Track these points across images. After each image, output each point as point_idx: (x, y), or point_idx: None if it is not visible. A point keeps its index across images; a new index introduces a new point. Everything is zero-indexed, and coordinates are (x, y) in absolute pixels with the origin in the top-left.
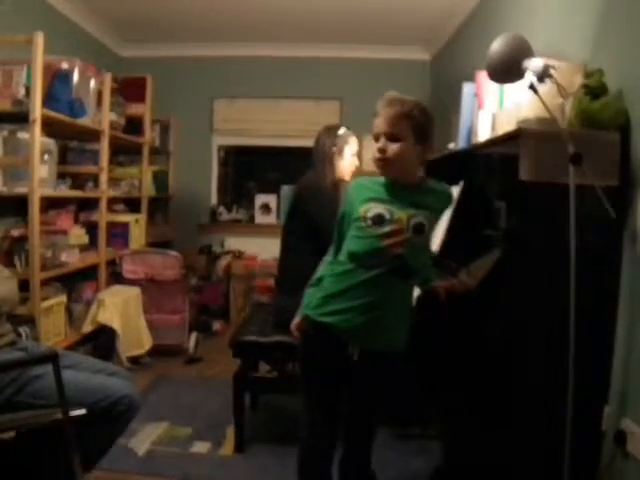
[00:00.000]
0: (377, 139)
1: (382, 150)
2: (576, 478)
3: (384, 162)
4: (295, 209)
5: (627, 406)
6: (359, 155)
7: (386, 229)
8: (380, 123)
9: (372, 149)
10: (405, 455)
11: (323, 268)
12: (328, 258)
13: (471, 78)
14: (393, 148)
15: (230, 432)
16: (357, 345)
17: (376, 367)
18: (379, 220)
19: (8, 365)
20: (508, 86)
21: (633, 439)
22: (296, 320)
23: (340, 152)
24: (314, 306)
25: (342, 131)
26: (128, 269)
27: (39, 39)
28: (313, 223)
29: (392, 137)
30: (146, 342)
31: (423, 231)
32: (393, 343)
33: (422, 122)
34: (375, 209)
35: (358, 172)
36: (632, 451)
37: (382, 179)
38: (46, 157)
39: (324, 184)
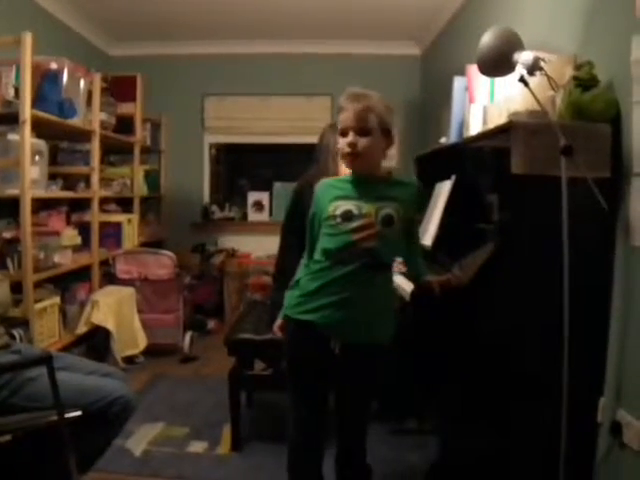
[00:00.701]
0: (345, 134)
1: (353, 144)
2: (573, 470)
3: (354, 156)
4: (295, 208)
5: (622, 397)
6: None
7: (355, 224)
8: (348, 118)
9: (339, 144)
10: (401, 450)
11: (300, 270)
12: (304, 261)
13: (462, 72)
14: (363, 142)
15: (226, 431)
16: (338, 339)
17: (358, 360)
18: (348, 216)
19: (2, 368)
20: (499, 79)
21: (629, 430)
22: (278, 322)
23: None
24: (293, 305)
25: None
26: (121, 269)
27: (27, 39)
28: None
29: (361, 131)
30: (141, 342)
31: (392, 222)
32: (374, 335)
33: (386, 116)
34: (343, 206)
35: None
36: (628, 442)
37: (348, 177)
38: (37, 158)
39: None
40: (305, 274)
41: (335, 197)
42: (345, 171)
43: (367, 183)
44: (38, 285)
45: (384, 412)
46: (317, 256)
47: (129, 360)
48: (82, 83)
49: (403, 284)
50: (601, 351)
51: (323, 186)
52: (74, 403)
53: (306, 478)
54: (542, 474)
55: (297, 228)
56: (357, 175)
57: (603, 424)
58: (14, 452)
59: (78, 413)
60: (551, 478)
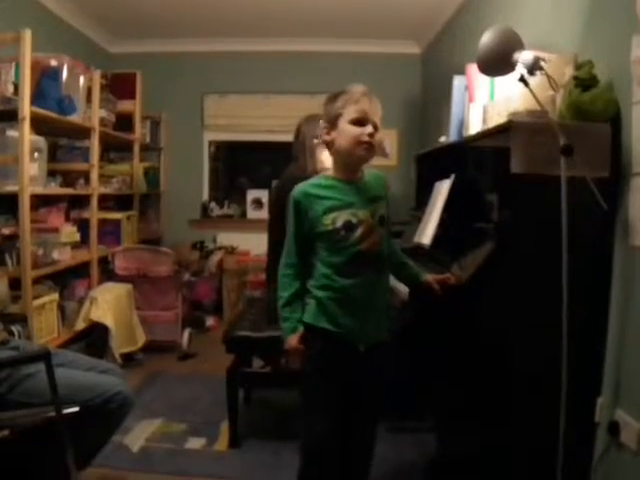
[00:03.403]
0: (363, 123)
1: (373, 135)
2: (570, 469)
3: (372, 146)
4: (276, 206)
5: (620, 397)
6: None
7: (358, 233)
8: (369, 111)
9: (352, 132)
10: (400, 448)
11: (287, 285)
12: (285, 273)
13: (462, 71)
14: (377, 136)
15: (224, 427)
16: (363, 343)
17: (378, 358)
18: (349, 227)
19: (0, 364)
20: (499, 79)
21: (626, 430)
22: (292, 338)
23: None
24: (313, 315)
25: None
26: (120, 266)
27: (27, 36)
28: None
29: (374, 125)
30: (139, 339)
31: (384, 221)
32: (384, 332)
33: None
34: (341, 217)
35: None
36: (625, 442)
37: (326, 180)
38: (36, 155)
39: (305, 177)
40: (318, 288)
41: (328, 208)
42: (327, 163)
43: (352, 185)
44: (37, 281)
45: (383, 410)
46: (322, 269)
47: (127, 357)
48: (82, 80)
49: (398, 285)
50: (599, 350)
51: (305, 197)
52: (72, 399)
53: None
54: (540, 473)
55: (280, 227)
56: (341, 176)
57: (601, 424)
58: (12, 448)
59: (76, 409)
60: (549, 477)
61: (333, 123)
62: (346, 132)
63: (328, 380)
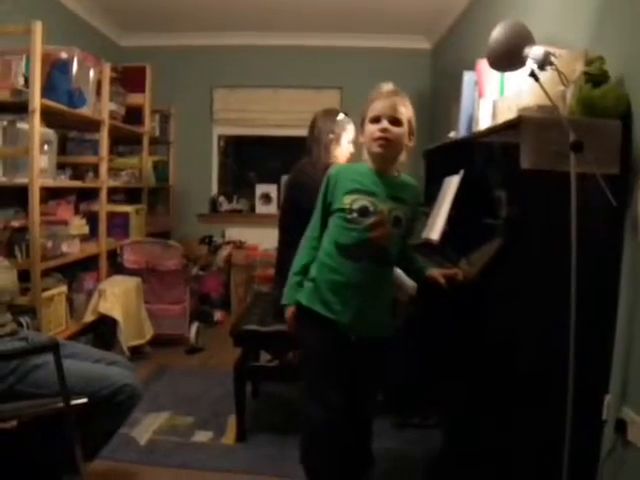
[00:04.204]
0: (378, 120)
1: (385, 130)
2: (577, 467)
3: (385, 141)
4: (287, 201)
5: (627, 395)
6: (356, 142)
7: (370, 220)
8: (383, 106)
9: (369, 130)
10: (405, 444)
11: (305, 254)
12: (307, 243)
13: (472, 66)
14: (395, 131)
15: (231, 421)
16: (354, 334)
17: (370, 352)
18: (364, 212)
19: (9, 354)
20: (509, 74)
21: (633, 428)
22: (290, 310)
23: (337, 139)
24: (308, 296)
25: (340, 117)
26: (129, 259)
27: (38, 28)
28: (306, 215)
29: (394, 121)
30: (147, 332)
31: (400, 225)
32: (382, 329)
33: (412, 117)
34: (360, 201)
35: (353, 159)
36: (632, 440)
37: (364, 167)
38: (46, 147)
39: (316, 172)
40: (318, 265)
41: (351, 190)
42: (340, 159)
43: (381, 179)
44: (46, 274)
45: (388, 406)
46: (327, 246)
47: (135, 350)
48: (92, 73)
49: (407, 280)
50: (607, 348)
51: (340, 173)
52: (80, 390)
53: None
54: (546, 470)
55: (292, 222)
56: (375, 168)
57: (608, 421)
58: (20, 439)
59: (84, 400)
60: (555, 474)
61: (362, 125)
62: (366, 131)
63: (323, 361)
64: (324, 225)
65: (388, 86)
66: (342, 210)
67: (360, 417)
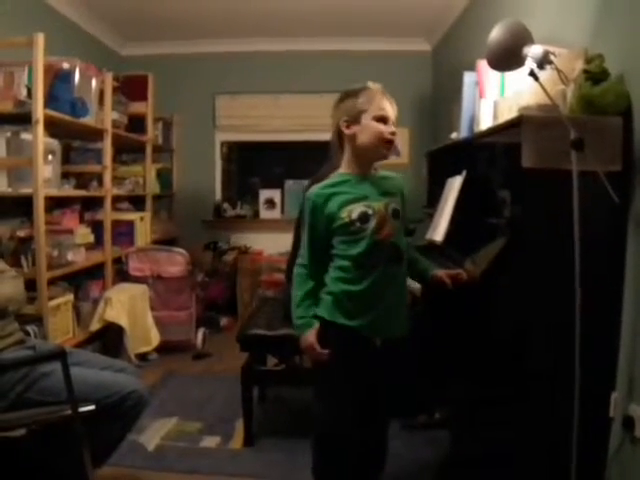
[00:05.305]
0: (386, 121)
1: (394, 133)
2: (585, 464)
3: (392, 144)
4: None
5: (634, 392)
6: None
7: (373, 223)
8: (390, 109)
9: (378, 128)
10: (414, 445)
11: (302, 282)
12: (300, 273)
13: (472, 67)
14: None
15: (239, 426)
16: (380, 337)
17: (396, 353)
18: (365, 218)
19: (17, 363)
20: (509, 74)
21: None
22: (308, 334)
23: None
24: (329, 310)
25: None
26: (134, 267)
27: (39, 40)
28: None
29: (394, 124)
30: (154, 339)
31: (399, 216)
32: (404, 326)
33: None
34: (357, 209)
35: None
36: None
37: (341, 176)
38: (50, 157)
39: None
40: (333, 281)
41: (344, 202)
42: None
43: (366, 180)
44: (52, 282)
45: (396, 407)
46: (340, 262)
47: (142, 357)
48: (94, 82)
49: (410, 283)
50: (613, 345)
51: (320, 195)
52: (88, 397)
53: None
54: (554, 468)
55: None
56: (358, 172)
57: (615, 418)
58: (29, 446)
59: (92, 407)
60: (563, 472)
61: (356, 118)
62: (371, 128)
63: (346, 376)
64: (316, 253)
65: (378, 85)
66: (344, 225)
67: (379, 433)
